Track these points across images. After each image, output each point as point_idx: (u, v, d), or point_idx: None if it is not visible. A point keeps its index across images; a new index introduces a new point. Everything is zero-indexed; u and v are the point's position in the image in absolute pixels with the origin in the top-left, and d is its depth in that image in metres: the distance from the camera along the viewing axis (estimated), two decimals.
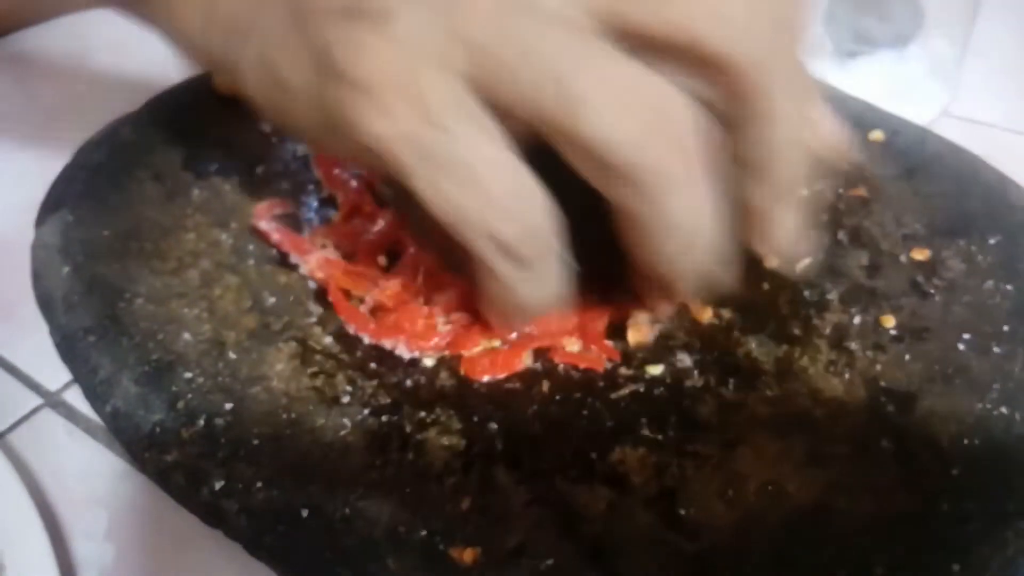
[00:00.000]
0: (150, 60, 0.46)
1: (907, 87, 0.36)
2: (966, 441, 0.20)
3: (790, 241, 0.21)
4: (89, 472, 0.25)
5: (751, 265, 0.22)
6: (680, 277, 0.20)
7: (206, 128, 0.32)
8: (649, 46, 0.18)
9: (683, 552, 0.18)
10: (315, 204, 0.30)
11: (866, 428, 0.21)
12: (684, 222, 0.19)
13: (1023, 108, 0.37)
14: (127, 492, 0.24)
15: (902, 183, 0.28)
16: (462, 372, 0.23)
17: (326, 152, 0.22)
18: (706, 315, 0.24)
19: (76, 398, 0.27)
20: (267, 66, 0.21)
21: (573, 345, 0.24)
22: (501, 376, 0.23)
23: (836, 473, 0.20)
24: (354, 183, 0.30)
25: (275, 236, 0.27)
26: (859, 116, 0.31)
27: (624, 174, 0.18)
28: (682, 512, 0.19)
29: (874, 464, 0.20)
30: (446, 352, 0.24)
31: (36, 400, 0.27)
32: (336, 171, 0.30)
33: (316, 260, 0.26)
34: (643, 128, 0.18)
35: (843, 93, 0.32)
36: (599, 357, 0.23)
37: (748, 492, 0.19)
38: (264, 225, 0.28)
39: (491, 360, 0.23)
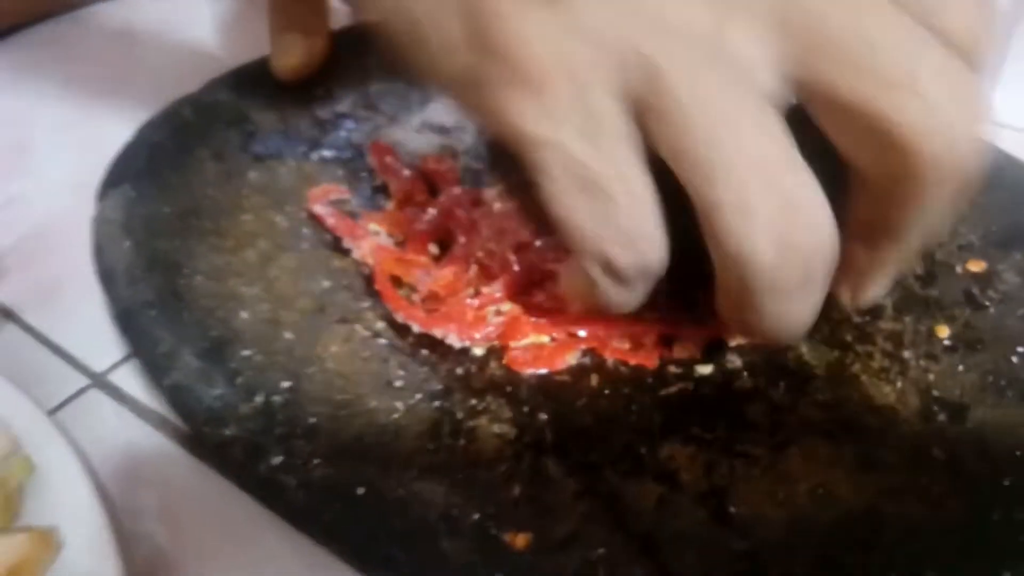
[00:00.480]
0: (200, 40, 0.48)
1: None
2: (1018, 453, 0.20)
3: (875, 298, 0.21)
4: (138, 452, 0.25)
5: None
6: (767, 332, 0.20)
7: (263, 112, 0.33)
8: (827, 107, 0.17)
9: (732, 549, 0.18)
10: (368, 192, 0.30)
11: (918, 436, 0.21)
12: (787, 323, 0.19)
13: None
14: (178, 473, 0.25)
15: None
16: (505, 363, 0.24)
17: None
18: None
19: (123, 379, 0.27)
20: (406, 5, 0.20)
21: (623, 343, 0.24)
22: (544, 371, 0.24)
23: (887, 479, 0.20)
24: (407, 172, 0.30)
25: (330, 220, 0.28)
26: None
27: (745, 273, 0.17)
28: (732, 510, 0.19)
29: (925, 472, 0.20)
30: (495, 343, 0.24)
31: (83, 380, 0.27)
32: (389, 159, 0.31)
33: (368, 246, 0.27)
34: (775, 235, 0.17)
35: None
36: (650, 354, 0.23)
37: (798, 493, 0.20)
38: (319, 209, 0.28)
39: (535, 355, 0.24)
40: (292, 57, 0.34)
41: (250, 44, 0.36)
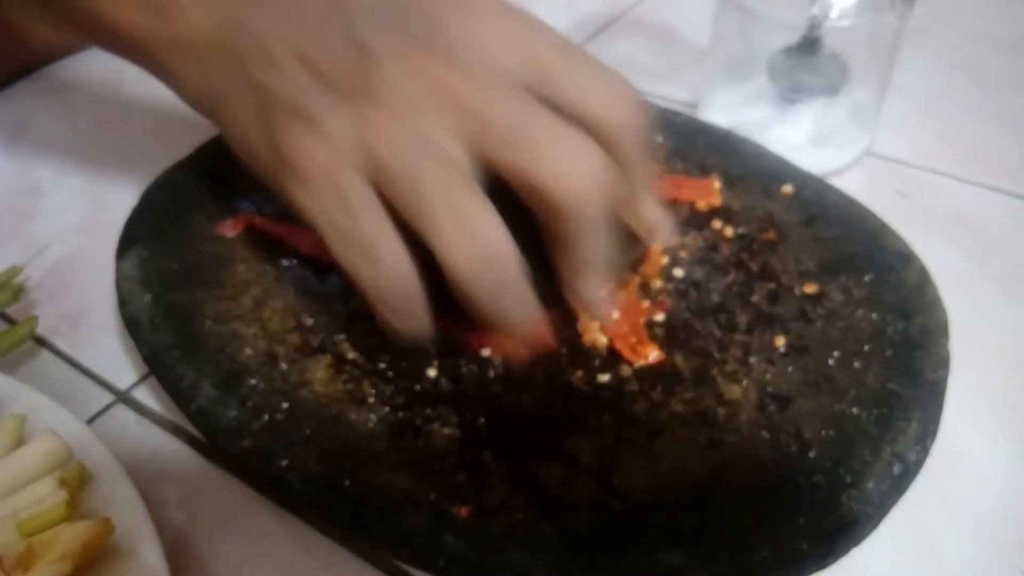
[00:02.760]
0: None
1: (834, 131, 0.43)
2: (823, 433, 0.27)
3: (660, 225, 0.31)
4: (159, 456, 0.30)
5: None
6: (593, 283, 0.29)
7: (246, 173, 0.39)
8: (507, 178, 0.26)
9: (613, 510, 0.25)
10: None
11: (753, 423, 0.28)
12: (599, 251, 0.28)
13: (936, 148, 0.44)
14: (193, 472, 0.30)
15: (803, 228, 0.36)
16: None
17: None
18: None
19: (144, 396, 0.32)
20: (240, 130, 0.29)
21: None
22: (491, 377, 0.30)
23: (727, 455, 0.27)
24: None
25: (271, 227, 0.35)
26: (776, 171, 0.38)
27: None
28: (615, 482, 0.26)
29: (754, 449, 0.27)
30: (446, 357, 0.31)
31: (110, 397, 0.33)
32: None
33: (309, 240, 0.34)
34: (467, 256, 0.25)
35: (764, 150, 0.39)
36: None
37: (663, 468, 0.27)
38: (258, 221, 0.35)
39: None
40: None
41: None
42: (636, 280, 0.34)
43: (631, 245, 0.32)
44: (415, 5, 0.27)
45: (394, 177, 0.25)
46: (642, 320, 0.32)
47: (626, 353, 0.31)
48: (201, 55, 0.30)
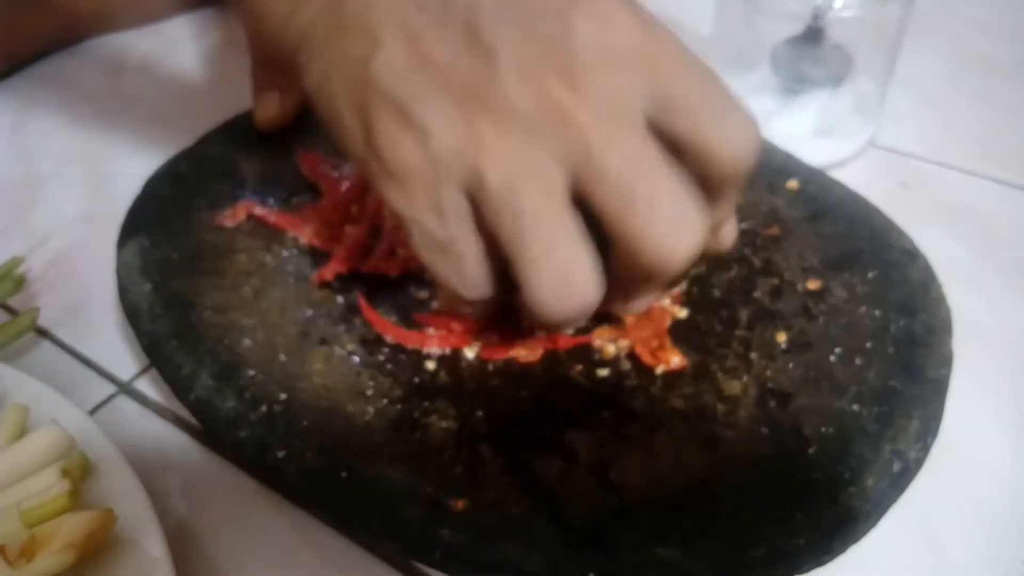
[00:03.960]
0: (186, 72, 0.53)
1: (837, 122, 0.43)
2: (823, 429, 0.27)
3: (730, 241, 0.30)
4: (161, 446, 0.30)
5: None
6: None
7: (249, 162, 0.39)
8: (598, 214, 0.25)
9: (609, 505, 0.25)
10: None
11: (752, 419, 0.28)
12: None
13: (939, 139, 0.43)
14: (194, 462, 0.30)
15: (807, 224, 0.35)
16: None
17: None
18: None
19: (146, 386, 0.32)
20: (327, 91, 0.26)
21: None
22: (490, 370, 0.30)
23: (725, 450, 0.27)
24: (336, 174, 0.37)
25: (271, 217, 0.35)
26: (781, 166, 0.38)
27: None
28: (612, 477, 0.26)
29: (753, 445, 0.27)
30: (447, 351, 0.31)
31: (112, 388, 0.33)
32: (320, 167, 0.38)
33: (308, 230, 0.34)
34: (554, 291, 0.25)
35: (770, 144, 0.39)
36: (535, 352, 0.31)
37: (660, 463, 0.27)
38: (258, 211, 0.35)
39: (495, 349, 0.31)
40: (269, 111, 0.40)
41: (228, 76, 0.41)
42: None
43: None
44: (549, 6, 0.24)
45: (494, 200, 0.24)
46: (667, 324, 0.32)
47: (646, 359, 0.30)
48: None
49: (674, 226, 0.24)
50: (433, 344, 0.31)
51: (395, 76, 0.24)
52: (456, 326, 0.32)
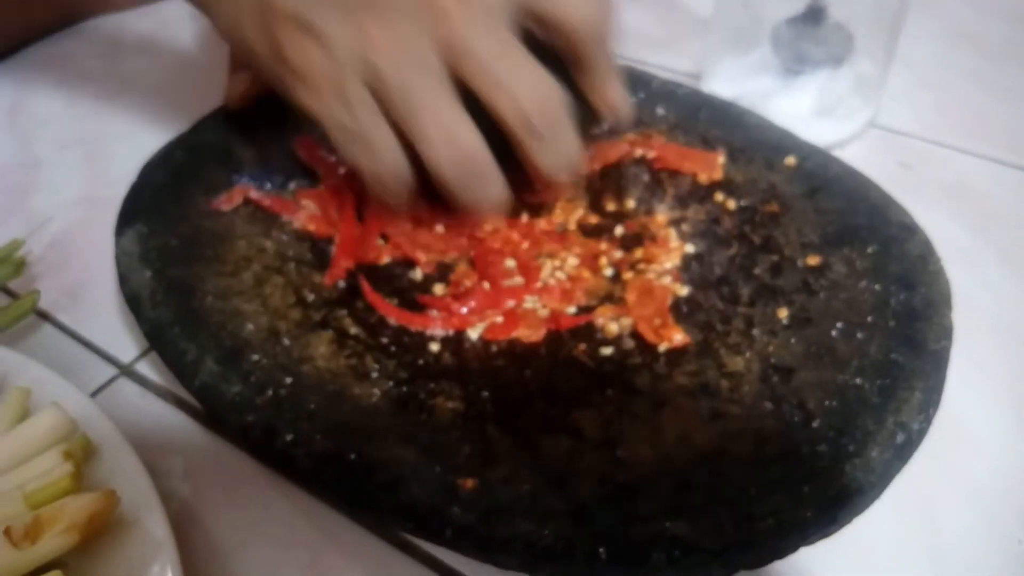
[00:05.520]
0: (184, 52, 0.52)
1: (838, 102, 0.43)
2: (826, 403, 0.27)
3: (620, 101, 0.34)
4: (162, 427, 0.30)
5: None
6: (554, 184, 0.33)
7: (245, 149, 0.39)
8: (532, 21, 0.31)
9: (616, 481, 0.25)
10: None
11: (756, 394, 0.28)
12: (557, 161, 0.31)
13: (939, 119, 0.43)
14: (196, 444, 0.30)
15: (806, 200, 0.36)
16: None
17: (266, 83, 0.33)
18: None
19: (147, 369, 0.32)
20: (238, 27, 0.32)
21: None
22: (494, 351, 0.31)
23: (730, 425, 0.27)
24: (333, 159, 0.38)
25: (266, 202, 0.35)
26: (779, 142, 0.38)
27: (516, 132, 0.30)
28: (619, 453, 0.26)
29: (757, 420, 0.27)
30: (451, 332, 0.31)
31: (113, 370, 0.33)
32: (320, 153, 0.38)
33: (305, 215, 0.35)
34: (445, 152, 0.30)
35: (768, 122, 0.39)
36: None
37: (666, 439, 0.27)
38: (254, 194, 0.36)
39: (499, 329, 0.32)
40: (237, 89, 0.40)
41: (227, 55, 0.41)
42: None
43: (589, 120, 0.34)
44: None
45: (388, 84, 0.29)
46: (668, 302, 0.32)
47: (649, 336, 0.31)
48: None
49: (525, 88, 0.29)
50: (436, 326, 0.31)
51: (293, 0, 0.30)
52: (456, 307, 0.32)
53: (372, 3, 0.29)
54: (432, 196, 0.32)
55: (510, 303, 0.32)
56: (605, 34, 0.32)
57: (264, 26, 0.31)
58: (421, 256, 0.34)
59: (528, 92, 0.30)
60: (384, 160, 0.30)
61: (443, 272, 0.34)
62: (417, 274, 0.34)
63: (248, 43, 0.32)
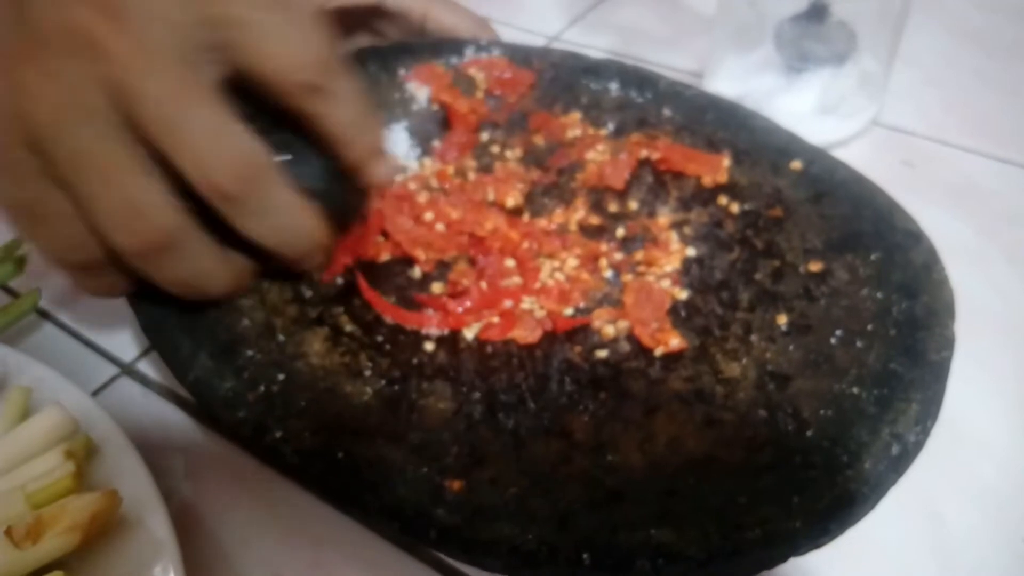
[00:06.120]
0: None
1: (841, 100, 0.42)
2: (822, 412, 0.27)
3: (378, 172, 0.28)
4: (164, 426, 0.31)
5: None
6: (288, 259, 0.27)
7: None
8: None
9: (606, 485, 0.25)
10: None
11: (750, 401, 0.28)
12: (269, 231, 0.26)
13: (943, 118, 0.43)
14: (197, 442, 0.30)
15: (810, 206, 0.35)
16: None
17: None
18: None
19: (148, 368, 0.33)
20: None
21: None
22: (488, 351, 0.30)
23: (722, 432, 0.27)
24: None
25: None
26: (785, 146, 0.37)
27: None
28: (609, 458, 0.26)
29: (750, 427, 0.27)
30: (446, 332, 0.31)
31: (114, 369, 0.33)
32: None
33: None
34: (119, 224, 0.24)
35: (774, 124, 0.39)
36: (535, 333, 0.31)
37: (657, 445, 0.27)
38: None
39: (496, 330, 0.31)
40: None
41: None
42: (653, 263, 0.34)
43: (354, 194, 0.30)
44: None
45: (47, 145, 0.23)
46: (667, 306, 0.32)
47: (646, 340, 0.30)
48: None
49: (212, 146, 0.24)
50: (432, 325, 0.31)
51: None
52: (453, 305, 0.32)
53: (26, 45, 0.23)
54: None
55: (507, 303, 0.32)
56: (328, 78, 0.26)
57: None
58: (420, 254, 0.34)
59: (215, 150, 0.24)
60: (61, 236, 0.25)
61: (442, 271, 0.34)
62: (416, 272, 0.34)
63: None
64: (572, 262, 0.34)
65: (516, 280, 0.33)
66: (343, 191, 0.29)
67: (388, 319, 0.31)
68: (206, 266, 0.26)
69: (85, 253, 0.25)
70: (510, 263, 0.34)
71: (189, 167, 0.24)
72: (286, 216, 0.26)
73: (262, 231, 0.26)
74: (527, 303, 0.32)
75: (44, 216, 0.24)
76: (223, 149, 0.24)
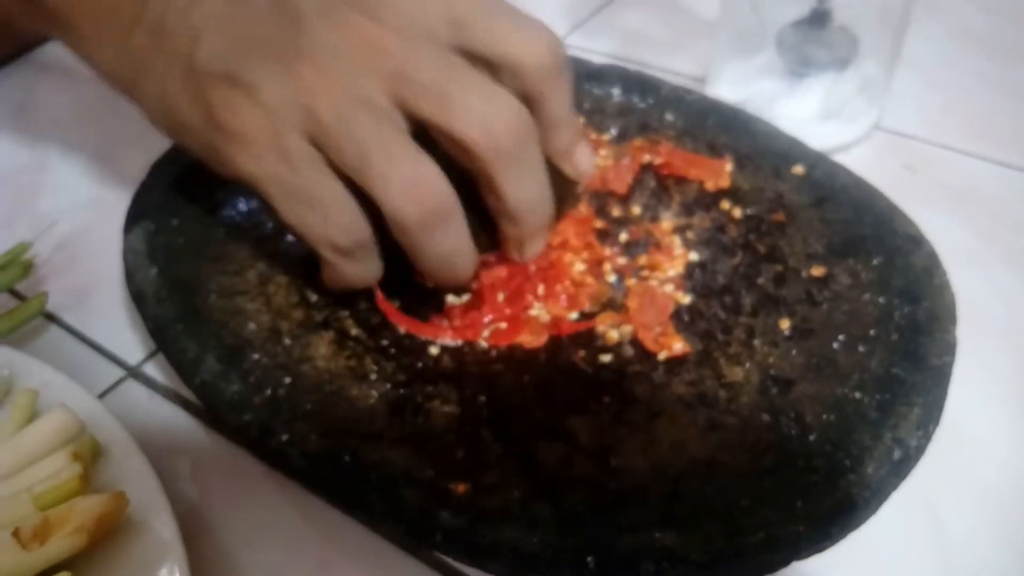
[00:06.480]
0: None
1: (843, 105, 0.42)
2: (824, 417, 0.27)
3: (585, 159, 0.31)
4: (170, 429, 0.31)
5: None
6: (525, 232, 0.30)
7: None
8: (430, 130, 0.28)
9: (609, 489, 0.25)
10: None
11: (753, 405, 0.28)
12: (528, 191, 0.29)
13: (945, 122, 0.43)
14: (204, 445, 0.30)
15: (812, 210, 0.35)
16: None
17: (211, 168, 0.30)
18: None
19: (154, 371, 0.33)
20: (166, 102, 0.29)
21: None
22: (493, 355, 0.30)
23: (725, 437, 0.27)
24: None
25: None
26: (787, 150, 0.38)
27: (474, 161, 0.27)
28: (613, 462, 0.26)
29: (753, 431, 0.27)
30: (458, 341, 0.31)
31: (120, 372, 0.33)
32: None
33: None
34: (408, 197, 0.27)
35: (776, 129, 0.39)
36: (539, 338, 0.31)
37: (661, 449, 0.27)
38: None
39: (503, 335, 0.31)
40: None
41: None
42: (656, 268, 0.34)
43: (562, 186, 0.32)
44: None
45: (335, 135, 0.26)
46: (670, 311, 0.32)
47: (649, 344, 0.31)
48: (124, 29, 0.30)
49: (478, 101, 0.26)
50: (447, 336, 0.31)
51: (218, 56, 0.27)
52: (468, 319, 0.31)
53: (306, 49, 0.26)
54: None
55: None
56: (563, 78, 0.29)
57: (195, 94, 0.28)
58: None
59: (492, 109, 0.27)
60: (335, 219, 0.27)
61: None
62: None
63: (181, 118, 0.29)
64: (579, 267, 0.34)
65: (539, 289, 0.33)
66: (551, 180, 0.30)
67: (402, 330, 0.31)
68: (464, 242, 0.29)
69: (354, 235, 0.28)
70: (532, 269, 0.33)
71: (466, 127, 0.26)
72: (541, 178, 0.29)
73: (520, 192, 0.28)
74: (535, 308, 0.32)
75: (317, 198, 0.27)
76: (500, 110, 0.27)
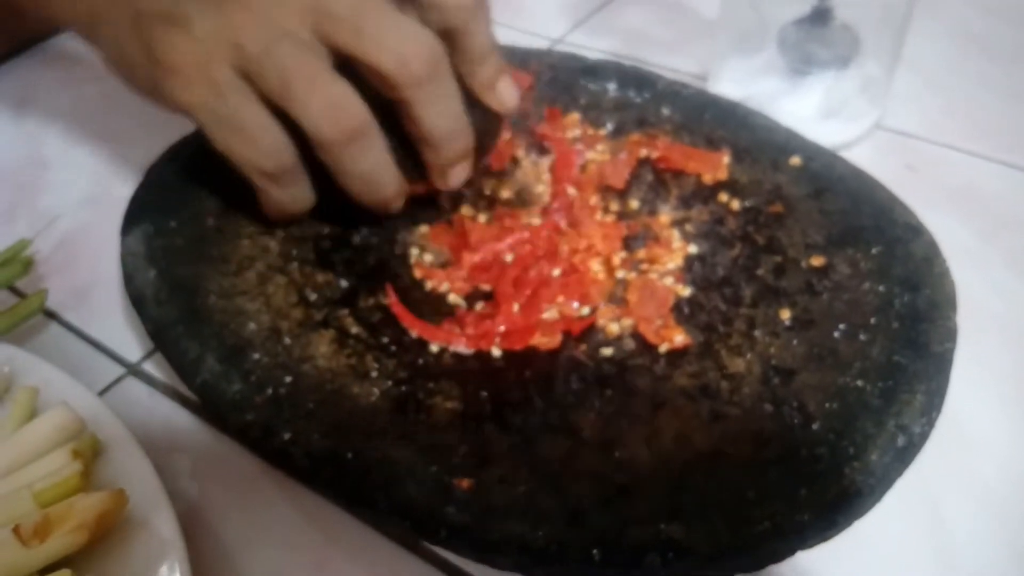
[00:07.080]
0: None
1: (844, 104, 0.42)
2: (827, 406, 0.27)
3: (507, 92, 0.33)
4: (170, 426, 0.31)
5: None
6: (446, 159, 0.32)
7: None
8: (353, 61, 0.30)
9: (614, 481, 0.25)
10: None
11: (756, 396, 0.28)
12: (443, 118, 0.30)
13: (945, 121, 0.43)
14: (203, 443, 0.30)
15: (811, 201, 0.35)
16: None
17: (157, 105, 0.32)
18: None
19: (154, 368, 0.33)
20: (118, 47, 0.32)
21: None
22: (497, 354, 0.30)
23: (729, 427, 0.27)
24: None
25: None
26: (784, 143, 0.38)
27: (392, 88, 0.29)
28: (617, 454, 0.26)
29: (756, 421, 0.27)
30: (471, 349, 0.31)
31: (120, 370, 0.33)
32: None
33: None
34: (325, 116, 0.29)
35: (773, 122, 0.39)
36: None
37: (664, 440, 0.27)
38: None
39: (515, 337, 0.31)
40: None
41: None
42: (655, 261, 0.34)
43: (487, 119, 0.33)
44: None
45: (260, 65, 0.29)
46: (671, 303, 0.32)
47: (650, 337, 0.30)
48: None
49: (395, 33, 0.29)
50: (460, 343, 0.31)
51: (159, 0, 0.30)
52: (484, 327, 0.31)
53: None
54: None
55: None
56: (482, 14, 0.31)
57: (138, 33, 0.30)
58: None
59: (403, 38, 0.29)
60: (261, 144, 0.30)
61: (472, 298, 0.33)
62: (443, 286, 0.33)
63: (129, 59, 0.31)
64: (596, 267, 0.34)
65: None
66: (475, 115, 0.32)
67: (414, 334, 0.31)
68: (384, 160, 0.31)
69: (280, 159, 0.30)
70: (556, 272, 0.33)
71: (382, 57, 0.29)
72: (456, 106, 0.31)
73: (436, 118, 0.30)
74: (547, 311, 0.32)
75: (243, 124, 0.29)
76: (411, 40, 0.29)
